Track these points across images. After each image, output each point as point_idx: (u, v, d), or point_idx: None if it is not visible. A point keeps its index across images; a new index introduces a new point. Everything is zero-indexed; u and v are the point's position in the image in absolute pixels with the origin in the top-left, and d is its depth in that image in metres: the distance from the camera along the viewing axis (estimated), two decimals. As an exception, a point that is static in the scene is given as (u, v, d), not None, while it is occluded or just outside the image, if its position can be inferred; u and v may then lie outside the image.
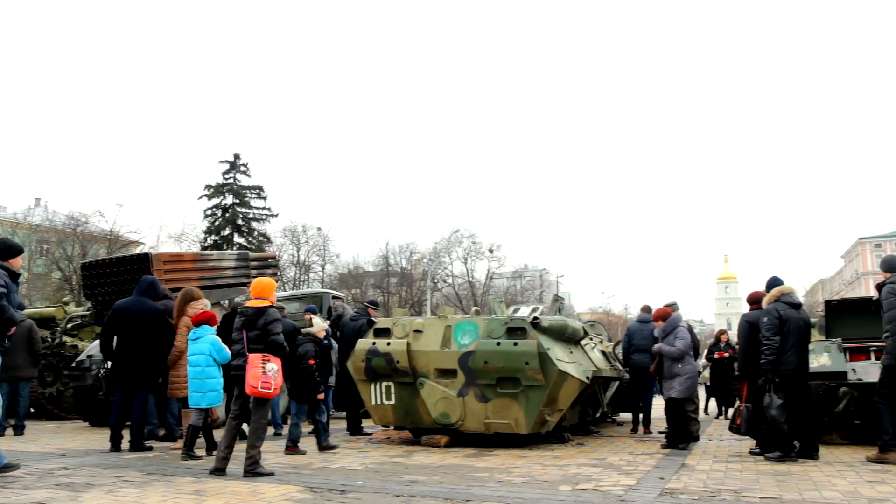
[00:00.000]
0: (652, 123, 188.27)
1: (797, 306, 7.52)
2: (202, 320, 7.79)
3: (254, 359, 6.15)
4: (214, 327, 7.87)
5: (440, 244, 50.27)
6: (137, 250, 33.55)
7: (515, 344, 8.13)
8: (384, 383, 8.83)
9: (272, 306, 6.41)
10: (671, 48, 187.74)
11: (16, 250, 6.41)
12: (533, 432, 8.35)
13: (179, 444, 8.18)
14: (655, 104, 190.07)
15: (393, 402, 8.80)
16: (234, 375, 6.41)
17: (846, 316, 10.01)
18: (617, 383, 10.85)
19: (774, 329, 7.29)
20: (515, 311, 9.47)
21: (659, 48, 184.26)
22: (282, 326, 6.45)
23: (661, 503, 5.01)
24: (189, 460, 7.16)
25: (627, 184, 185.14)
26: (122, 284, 11.02)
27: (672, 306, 9.29)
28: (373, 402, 8.95)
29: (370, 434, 10.02)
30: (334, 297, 13.98)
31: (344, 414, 11.53)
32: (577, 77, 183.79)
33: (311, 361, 7.98)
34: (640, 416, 10.70)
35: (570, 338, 8.87)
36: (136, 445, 7.87)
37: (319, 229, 49.49)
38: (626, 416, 12.17)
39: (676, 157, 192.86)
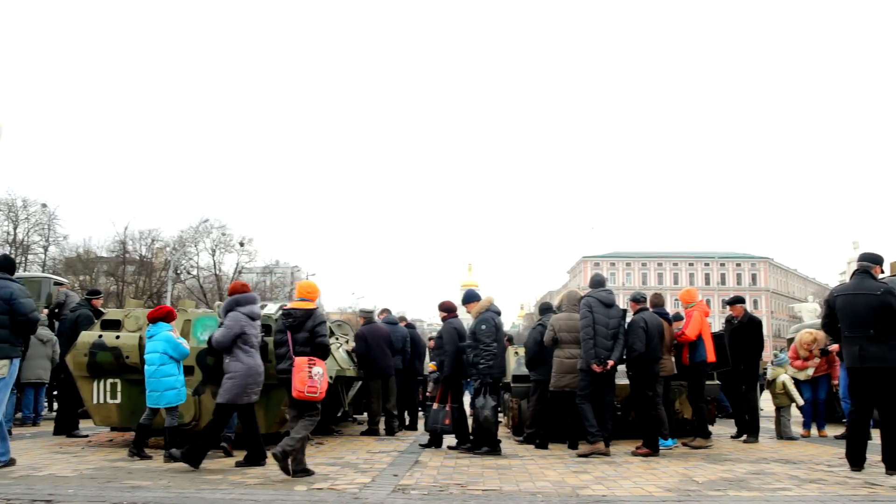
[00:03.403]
0: (406, 131, 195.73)
1: (498, 313, 8.37)
2: (158, 316, 7.35)
3: (300, 362, 6.09)
4: (172, 323, 7.41)
5: (186, 233, 47.18)
6: None
7: (260, 341, 7.89)
8: (110, 380, 8.08)
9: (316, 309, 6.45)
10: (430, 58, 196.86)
11: (12, 264, 6.76)
12: (272, 432, 8.16)
13: None
14: (410, 112, 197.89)
15: (119, 400, 8.08)
16: (283, 379, 6.29)
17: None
18: (360, 383, 11.00)
19: (493, 335, 7.94)
20: (262, 307, 9.19)
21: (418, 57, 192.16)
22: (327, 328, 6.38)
23: (394, 499, 5.17)
24: (171, 462, 6.63)
25: (380, 189, 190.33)
26: None
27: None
28: (95, 402, 8.12)
29: (87, 436, 9.08)
30: (56, 283, 12.45)
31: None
32: (320, 74, 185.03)
33: None
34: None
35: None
36: None
37: (44, 206, 43.91)
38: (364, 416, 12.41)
39: (428, 168, 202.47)
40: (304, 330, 6.27)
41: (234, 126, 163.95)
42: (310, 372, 6.07)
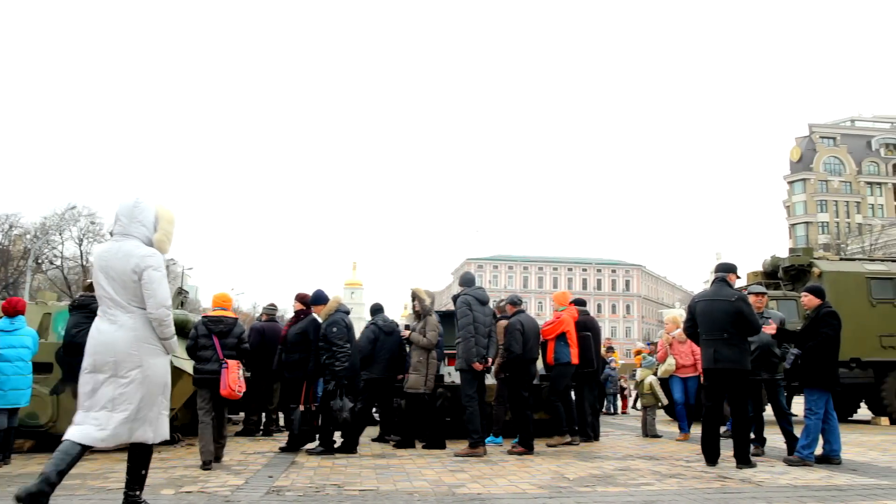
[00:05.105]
0: (289, 125, 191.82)
1: (347, 313, 8.30)
2: (19, 309, 6.94)
3: (234, 365, 6.79)
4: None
5: (51, 220, 44.02)
6: None
7: (128, 337, 7.47)
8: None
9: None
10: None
11: None
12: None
13: None
14: (296, 105, 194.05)
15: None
16: (206, 379, 6.76)
17: (448, 326, 11.26)
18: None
19: (345, 337, 7.87)
20: (133, 301, 8.70)
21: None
22: None
23: (268, 501, 5.03)
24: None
25: (262, 183, 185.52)
26: None
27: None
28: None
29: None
30: None
31: None
32: (196, 61, 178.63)
33: None
34: None
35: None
36: None
37: None
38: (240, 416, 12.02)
39: (312, 164, 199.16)
40: (232, 336, 6.97)
41: (107, 108, 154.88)
42: (239, 373, 6.82)
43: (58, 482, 4.07)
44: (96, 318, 4.44)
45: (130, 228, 4.47)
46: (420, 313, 8.62)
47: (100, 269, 4.41)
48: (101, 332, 4.33)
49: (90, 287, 8.08)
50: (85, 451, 4.21)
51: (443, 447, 8.31)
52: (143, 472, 4.46)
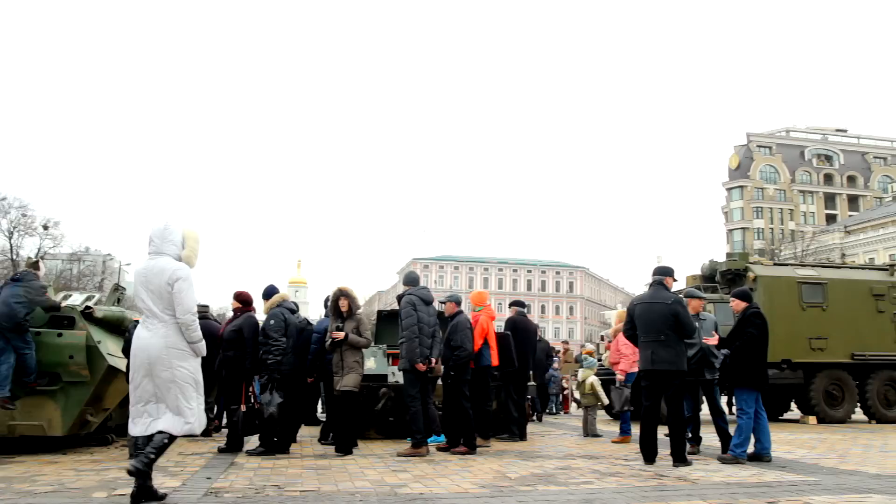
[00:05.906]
0: (236, 119, 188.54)
1: (293, 311, 8.23)
2: None
3: None
4: None
5: (-21, 212, 42.16)
6: None
7: (60, 335, 7.22)
8: None
9: None
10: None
11: None
12: (70, 434, 7.49)
13: None
14: (242, 98, 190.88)
15: None
16: None
17: (393, 325, 11.22)
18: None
19: (281, 331, 7.83)
20: (66, 298, 8.42)
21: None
22: None
23: (205, 503, 4.92)
24: None
25: (205, 176, 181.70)
26: None
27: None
28: None
29: None
30: None
31: None
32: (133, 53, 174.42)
33: None
34: None
35: (127, 331, 8.21)
36: None
37: None
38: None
39: (258, 159, 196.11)
40: None
41: (39, 95, 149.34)
42: None
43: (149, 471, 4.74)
44: (138, 326, 5.14)
45: (163, 248, 5.11)
46: (347, 313, 8.15)
47: (140, 284, 5.03)
48: (139, 338, 5.01)
49: (35, 265, 7.84)
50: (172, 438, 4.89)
51: (349, 452, 7.90)
52: (155, 457, 4.79)
